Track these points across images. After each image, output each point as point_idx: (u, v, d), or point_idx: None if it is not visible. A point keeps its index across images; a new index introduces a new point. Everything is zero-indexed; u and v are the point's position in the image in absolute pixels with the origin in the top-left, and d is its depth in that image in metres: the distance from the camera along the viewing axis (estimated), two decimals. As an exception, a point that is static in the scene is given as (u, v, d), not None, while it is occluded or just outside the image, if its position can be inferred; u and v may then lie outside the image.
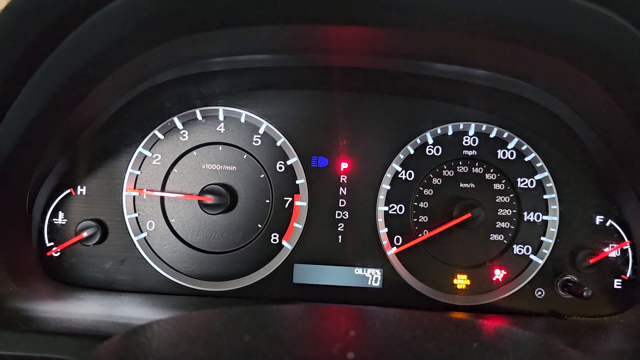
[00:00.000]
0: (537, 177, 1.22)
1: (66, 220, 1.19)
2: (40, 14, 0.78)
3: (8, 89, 0.87)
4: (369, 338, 0.55)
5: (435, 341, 0.52)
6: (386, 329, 0.57)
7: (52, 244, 1.18)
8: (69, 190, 1.19)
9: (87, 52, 0.88)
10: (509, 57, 0.95)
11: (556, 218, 1.21)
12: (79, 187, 1.19)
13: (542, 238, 1.22)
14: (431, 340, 0.53)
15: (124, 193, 1.20)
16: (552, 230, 1.21)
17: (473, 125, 1.22)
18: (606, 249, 1.20)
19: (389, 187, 1.23)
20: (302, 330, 0.55)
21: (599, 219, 1.21)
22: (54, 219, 1.19)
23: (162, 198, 1.22)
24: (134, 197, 1.21)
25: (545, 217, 1.22)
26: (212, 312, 0.60)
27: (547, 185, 1.22)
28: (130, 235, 1.20)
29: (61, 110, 0.99)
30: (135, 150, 1.20)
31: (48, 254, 1.18)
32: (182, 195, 1.20)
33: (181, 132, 1.22)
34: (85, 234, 1.17)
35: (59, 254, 1.19)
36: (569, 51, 0.82)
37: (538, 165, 1.22)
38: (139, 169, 1.21)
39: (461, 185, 1.23)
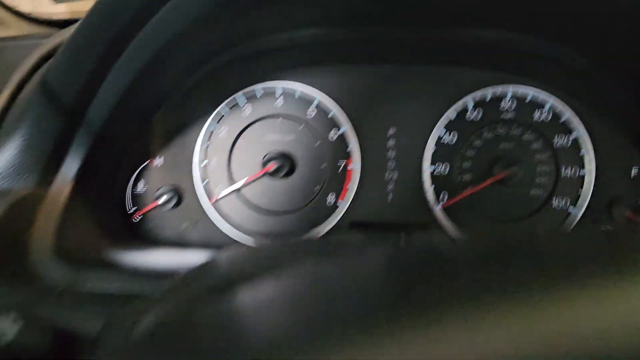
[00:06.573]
0: (573, 135, 1.31)
1: (146, 188, 1.34)
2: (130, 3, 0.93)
3: (101, 68, 1.01)
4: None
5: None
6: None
7: (135, 208, 1.34)
8: (148, 162, 1.34)
9: (168, 34, 1.02)
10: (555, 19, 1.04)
11: (593, 172, 1.29)
12: (157, 157, 1.34)
13: (580, 191, 1.30)
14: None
15: (196, 162, 1.34)
16: (589, 183, 1.29)
17: (510, 89, 1.31)
18: (643, 201, 1.27)
19: (433, 149, 1.33)
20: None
21: (634, 172, 1.29)
22: (135, 188, 1.34)
23: (229, 166, 1.35)
24: (204, 165, 1.35)
25: (582, 172, 1.30)
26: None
27: (583, 142, 1.30)
28: (202, 200, 1.34)
29: (143, 89, 1.13)
30: (204, 124, 1.34)
31: (132, 218, 1.34)
32: (246, 179, 1.33)
33: (243, 107, 1.35)
34: (162, 200, 1.32)
35: (140, 217, 1.34)
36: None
37: (573, 124, 1.30)
38: (209, 140, 1.35)
39: (501, 145, 1.33)
